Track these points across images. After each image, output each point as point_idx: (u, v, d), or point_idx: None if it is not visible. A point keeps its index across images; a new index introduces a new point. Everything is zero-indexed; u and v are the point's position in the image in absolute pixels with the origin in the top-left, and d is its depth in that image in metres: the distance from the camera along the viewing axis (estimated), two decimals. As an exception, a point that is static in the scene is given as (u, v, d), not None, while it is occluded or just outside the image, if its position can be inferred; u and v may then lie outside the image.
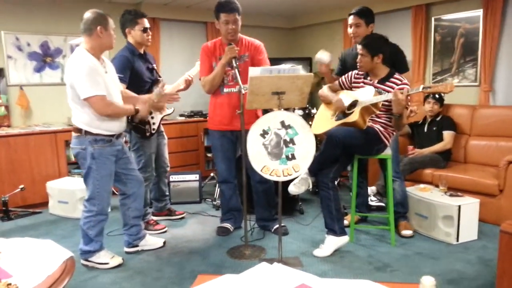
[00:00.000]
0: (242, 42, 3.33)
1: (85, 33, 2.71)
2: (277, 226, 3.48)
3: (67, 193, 4.05)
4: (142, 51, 3.43)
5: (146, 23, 3.37)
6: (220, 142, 3.41)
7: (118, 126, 2.84)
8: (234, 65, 3.10)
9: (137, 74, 3.32)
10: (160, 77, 3.62)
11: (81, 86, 2.62)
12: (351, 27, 3.39)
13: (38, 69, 4.77)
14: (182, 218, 3.95)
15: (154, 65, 3.59)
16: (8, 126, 4.57)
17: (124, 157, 2.96)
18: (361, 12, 3.36)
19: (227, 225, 3.57)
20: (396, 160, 3.42)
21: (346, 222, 3.46)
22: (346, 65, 3.53)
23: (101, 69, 2.72)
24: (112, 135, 2.81)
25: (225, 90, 3.32)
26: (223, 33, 3.25)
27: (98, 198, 2.83)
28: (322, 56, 3.30)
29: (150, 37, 3.41)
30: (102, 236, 2.94)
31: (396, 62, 3.24)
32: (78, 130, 2.76)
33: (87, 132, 2.73)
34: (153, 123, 3.42)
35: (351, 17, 3.38)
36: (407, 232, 3.36)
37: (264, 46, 3.42)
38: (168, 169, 3.84)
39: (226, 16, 3.15)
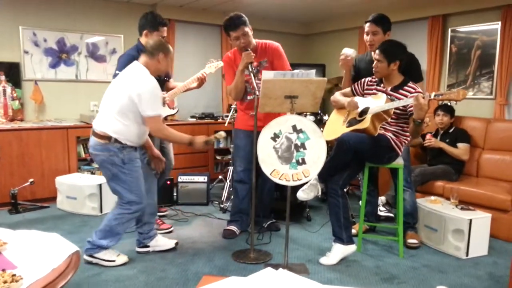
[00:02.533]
0: (259, 48, 3.33)
1: (145, 54, 2.80)
2: (270, 222, 3.67)
3: (76, 189, 4.07)
4: None
5: (165, 32, 3.41)
6: (245, 142, 3.43)
7: (142, 141, 2.92)
8: (250, 69, 3.11)
9: None
10: (168, 78, 3.65)
11: (147, 102, 2.69)
12: (367, 34, 3.35)
13: (54, 65, 4.83)
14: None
15: None
16: (21, 120, 4.61)
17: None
18: (378, 19, 3.31)
19: (234, 228, 3.55)
20: (407, 170, 3.37)
21: (354, 231, 3.43)
22: (359, 71, 3.50)
23: None
24: (135, 147, 2.88)
25: (249, 98, 3.38)
26: (237, 48, 3.28)
27: (137, 199, 2.84)
28: (348, 50, 3.29)
29: None
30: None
31: (411, 70, 3.21)
32: (107, 138, 2.74)
33: (116, 140, 2.74)
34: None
35: (368, 24, 3.34)
36: (412, 241, 3.30)
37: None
38: (172, 167, 3.77)
39: (235, 33, 3.19)
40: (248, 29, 3.21)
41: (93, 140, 2.80)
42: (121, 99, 2.71)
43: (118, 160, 2.75)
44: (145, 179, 2.98)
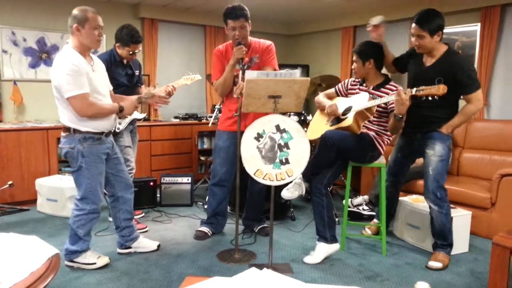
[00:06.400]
0: (252, 45, 3.30)
1: (69, 31, 2.70)
2: (261, 226, 3.58)
3: (56, 191, 3.99)
4: (124, 61, 3.50)
5: (138, 48, 3.44)
6: (228, 144, 3.35)
7: (106, 123, 2.78)
8: (240, 66, 3.09)
9: (112, 77, 3.27)
10: (140, 84, 3.68)
11: (63, 85, 2.57)
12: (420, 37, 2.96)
13: (33, 65, 4.73)
14: None
15: (137, 72, 3.61)
16: (0, 121, 4.51)
17: (114, 157, 2.92)
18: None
19: (206, 229, 3.51)
20: (439, 178, 2.97)
21: (369, 231, 3.58)
22: (407, 58, 3.21)
23: (87, 67, 2.67)
24: (101, 133, 2.76)
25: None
26: (231, 39, 3.23)
27: (91, 197, 2.77)
28: (374, 20, 3.19)
29: (135, 57, 3.51)
30: (90, 236, 2.88)
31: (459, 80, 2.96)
32: (67, 129, 2.70)
33: (75, 130, 2.68)
34: (119, 123, 3.43)
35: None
36: (433, 264, 2.95)
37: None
38: (133, 172, 3.70)
39: (232, 23, 3.13)
40: (247, 24, 3.18)
41: (61, 134, 2.77)
42: (53, 87, 2.66)
43: (76, 152, 2.69)
44: (117, 185, 2.96)
